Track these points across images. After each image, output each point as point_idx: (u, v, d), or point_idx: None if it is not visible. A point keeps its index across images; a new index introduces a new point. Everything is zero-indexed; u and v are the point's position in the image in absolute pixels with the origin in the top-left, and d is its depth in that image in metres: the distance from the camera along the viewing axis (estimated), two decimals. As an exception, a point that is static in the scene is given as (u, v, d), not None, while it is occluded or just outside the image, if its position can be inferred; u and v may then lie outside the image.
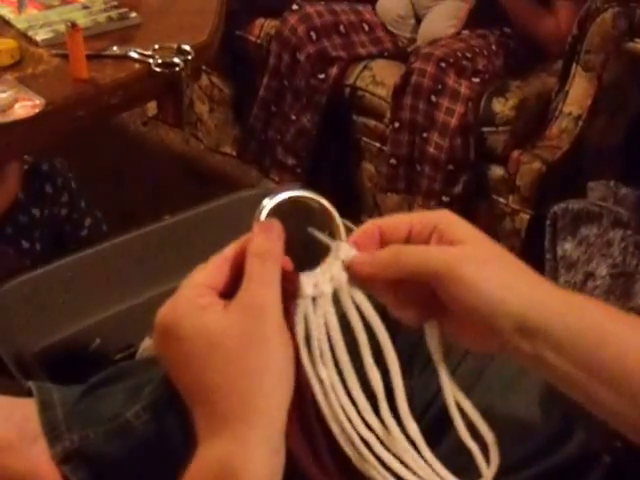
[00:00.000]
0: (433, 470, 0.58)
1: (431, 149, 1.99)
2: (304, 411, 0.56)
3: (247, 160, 2.44)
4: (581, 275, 1.56)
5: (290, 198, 0.58)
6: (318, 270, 0.58)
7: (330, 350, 0.56)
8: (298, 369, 0.55)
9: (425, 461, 0.58)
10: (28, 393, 0.83)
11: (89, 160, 2.19)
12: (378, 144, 2.18)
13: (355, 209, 2.28)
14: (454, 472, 0.59)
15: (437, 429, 0.62)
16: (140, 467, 0.79)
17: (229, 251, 0.57)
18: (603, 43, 1.85)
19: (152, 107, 2.66)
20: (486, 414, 0.72)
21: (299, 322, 0.56)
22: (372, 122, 2.17)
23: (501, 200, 2.02)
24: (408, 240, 0.58)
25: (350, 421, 0.56)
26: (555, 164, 1.92)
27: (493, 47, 2.09)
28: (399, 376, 0.58)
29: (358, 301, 0.57)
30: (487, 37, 2.12)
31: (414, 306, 0.59)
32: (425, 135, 2.00)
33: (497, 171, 2.01)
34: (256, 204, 1.73)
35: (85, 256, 1.36)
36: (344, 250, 0.58)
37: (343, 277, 0.57)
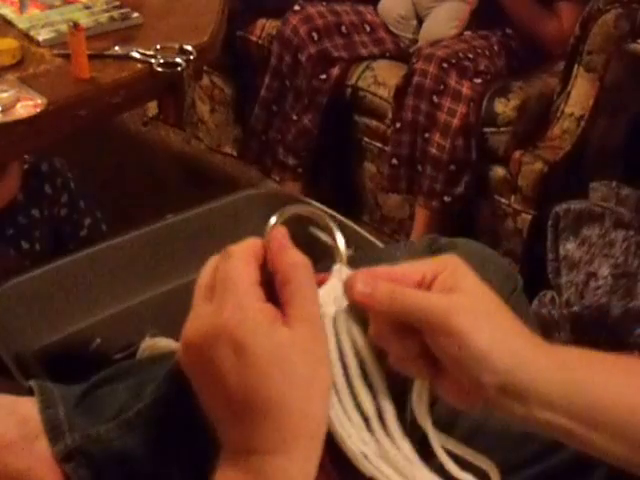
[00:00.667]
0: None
1: (433, 149, 1.99)
2: None
3: (248, 160, 2.44)
4: (583, 275, 1.56)
5: (295, 215, 0.57)
6: (323, 290, 0.57)
7: None
8: None
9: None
10: (29, 392, 0.82)
11: (89, 160, 2.19)
12: (379, 144, 2.18)
13: (356, 209, 2.28)
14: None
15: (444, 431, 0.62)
16: (141, 466, 0.79)
17: (258, 250, 0.55)
18: (605, 44, 1.85)
19: (152, 107, 2.65)
20: (488, 415, 0.71)
21: None
22: (373, 122, 2.17)
23: (503, 200, 2.02)
24: (419, 285, 0.58)
25: (350, 436, 0.56)
26: (557, 164, 1.92)
27: (495, 48, 2.09)
28: (387, 399, 0.57)
29: (354, 332, 0.57)
30: (489, 38, 2.12)
31: (408, 358, 0.58)
32: (427, 135, 2.00)
33: (499, 171, 2.01)
34: (257, 204, 1.72)
35: (85, 256, 1.36)
36: (346, 274, 0.58)
37: (344, 302, 0.57)
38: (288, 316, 0.52)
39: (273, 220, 0.56)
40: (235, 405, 0.51)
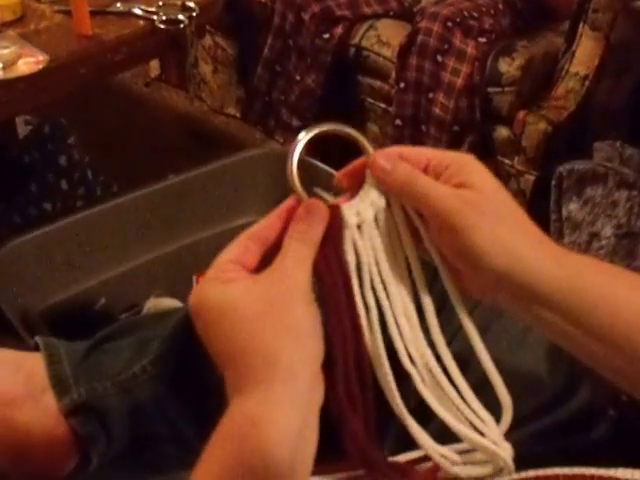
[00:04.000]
0: (466, 404, 0.59)
1: (437, 110, 1.98)
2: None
3: (251, 121, 2.43)
4: (586, 236, 1.56)
5: (322, 132, 0.59)
6: (357, 199, 0.59)
7: (379, 274, 0.57)
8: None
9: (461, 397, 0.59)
10: (35, 348, 0.83)
11: (92, 121, 2.19)
12: (383, 105, 2.16)
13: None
14: None
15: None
16: (146, 420, 0.79)
17: (257, 228, 0.57)
18: (611, 2, 1.83)
19: (155, 68, 2.64)
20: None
21: (349, 251, 0.57)
22: (377, 83, 2.16)
23: (506, 161, 2.01)
24: (424, 172, 0.59)
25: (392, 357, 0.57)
26: (561, 125, 1.91)
27: (500, 6, 2.07)
28: (431, 306, 0.59)
29: (398, 221, 0.59)
30: (494, -4, 2.10)
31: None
32: (431, 96, 1.98)
33: (503, 132, 2.00)
34: (261, 164, 1.72)
35: (90, 215, 1.36)
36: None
37: (382, 202, 0.59)
38: (259, 275, 0.54)
39: (302, 136, 0.58)
40: (216, 359, 0.54)
